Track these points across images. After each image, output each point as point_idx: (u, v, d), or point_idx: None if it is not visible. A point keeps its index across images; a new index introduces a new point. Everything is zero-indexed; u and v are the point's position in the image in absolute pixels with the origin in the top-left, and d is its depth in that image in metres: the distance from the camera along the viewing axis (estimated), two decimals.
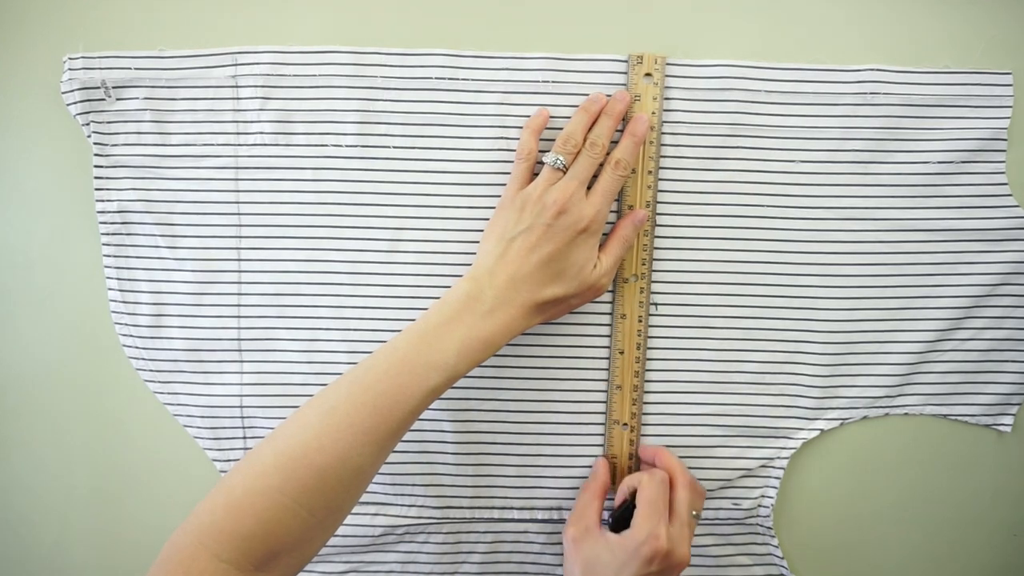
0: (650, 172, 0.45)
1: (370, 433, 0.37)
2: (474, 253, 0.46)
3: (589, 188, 0.43)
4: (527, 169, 0.43)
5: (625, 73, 0.45)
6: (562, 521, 0.49)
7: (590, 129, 0.43)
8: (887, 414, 0.49)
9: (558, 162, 0.42)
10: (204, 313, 0.47)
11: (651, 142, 0.45)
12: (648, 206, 0.45)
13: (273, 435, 0.38)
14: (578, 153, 0.42)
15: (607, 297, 0.47)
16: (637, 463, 0.48)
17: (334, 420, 0.37)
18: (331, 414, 0.37)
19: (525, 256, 0.41)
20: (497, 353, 0.46)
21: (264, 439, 0.38)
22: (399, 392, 0.38)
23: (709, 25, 0.45)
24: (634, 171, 0.45)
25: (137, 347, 0.47)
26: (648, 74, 0.45)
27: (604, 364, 0.47)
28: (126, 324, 0.47)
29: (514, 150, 0.45)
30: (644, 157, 0.45)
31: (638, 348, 0.47)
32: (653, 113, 0.45)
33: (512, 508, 0.49)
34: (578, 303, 0.44)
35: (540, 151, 0.44)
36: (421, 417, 0.47)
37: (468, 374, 0.46)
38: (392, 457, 0.48)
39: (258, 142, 0.45)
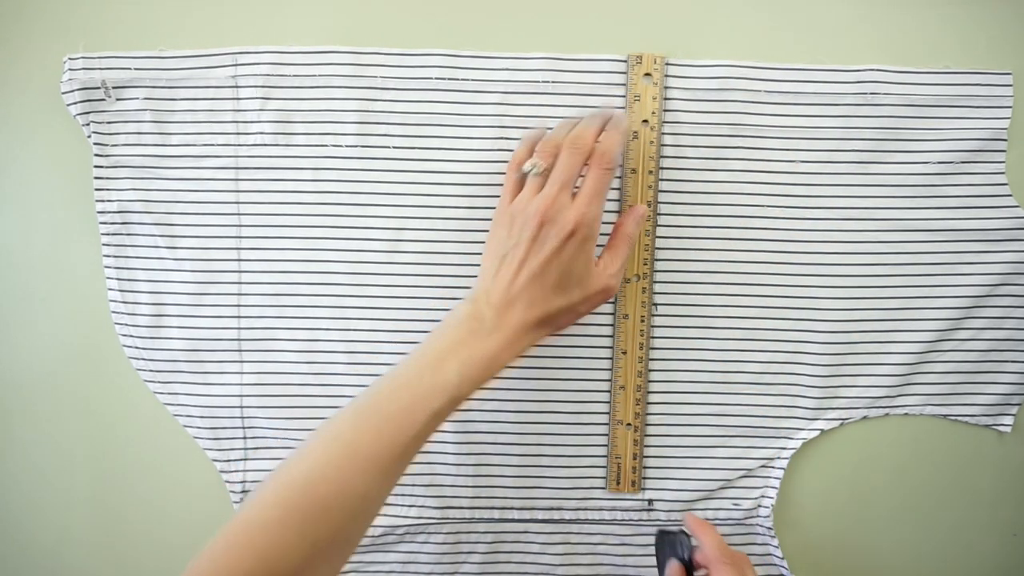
0: (651, 172, 0.45)
1: (373, 459, 0.36)
2: (474, 253, 0.46)
3: None
4: (519, 180, 0.42)
5: (625, 73, 0.45)
6: (563, 521, 0.49)
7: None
8: (887, 414, 0.49)
9: (535, 168, 0.40)
10: (204, 313, 0.47)
11: (651, 142, 0.45)
12: (649, 206, 0.46)
13: (278, 468, 0.36)
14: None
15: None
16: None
17: (337, 448, 0.36)
18: (335, 441, 0.36)
19: (516, 273, 0.39)
20: None
21: (270, 472, 0.37)
22: (403, 416, 0.37)
23: (709, 25, 0.45)
24: (634, 171, 0.45)
25: (137, 347, 0.47)
26: (648, 74, 0.45)
27: (606, 364, 0.47)
28: (126, 324, 0.47)
29: (513, 150, 0.45)
30: (644, 157, 0.45)
31: (640, 348, 0.47)
32: (653, 113, 0.45)
33: (512, 508, 0.49)
34: (588, 308, 0.42)
35: None
36: None
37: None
38: None
39: (258, 142, 0.45)
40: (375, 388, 0.38)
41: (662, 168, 0.46)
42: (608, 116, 0.42)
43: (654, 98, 0.45)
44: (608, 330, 0.47)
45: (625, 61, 0.45)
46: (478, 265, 0.46)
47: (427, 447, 0.47)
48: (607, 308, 0.47)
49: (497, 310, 0.39)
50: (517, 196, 0.41)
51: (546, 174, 0.40)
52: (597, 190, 0.40)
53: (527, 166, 0.41)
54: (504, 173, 0.45)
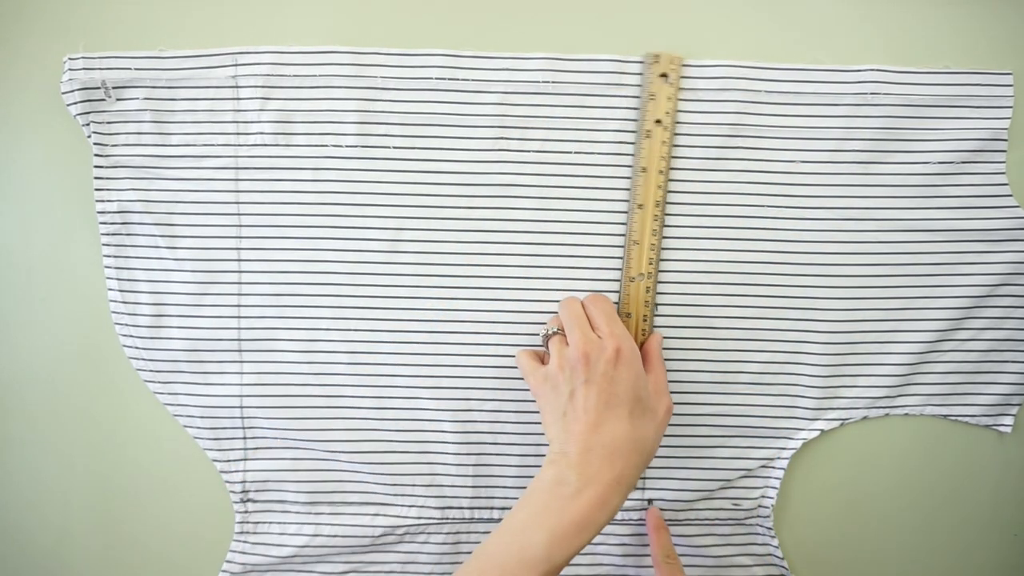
0: (661, 172, 0.45)
1: None
2: (473, 254, 0.46)
3: None
4: (533, 355, 0.44)
5: (622, 73, 0.45)
6: None
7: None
8: (887, 414, 0.49)
9: (551, 330, 0.43)
10: (204, 313, 0.47)
11: (664, 142, 0.45)
12: (658, 205, 0.45)
13: None
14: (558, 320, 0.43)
15: (613, 297, 0.47)
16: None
17: None
18: None
19: (584, 417, 0.39)
20: (497, 355, 0.47)
21: None
22: None
23: (709, 26, 0.45)
24: (645, 169, 0.45)
25: (137, 347, 0.47)
26: (664, 74, 0.45)
27: None
28: (126, 324, 0.47)
29: (513, 150, 0.45)
30: (656, 157, 0.45)
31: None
32: (667, 113, 0.45)
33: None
34: (661, 434, 0.42)
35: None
36: (422, 418, 0.47)
37: (470, 375, 0.47)
38: (392, 457, 0.48)
39: (258, 142, 0.45)
40: (464, 571, 0.37)
41: (663, 168, 0.46)
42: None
43: (669, 98, 0.45)
44: None
45: (621, 61, 0.45)
46: (478, 265, 0.46)
47: (427, 447, 0.48)
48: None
49: (581, 467, 0.37)
50: (546, 365, 0.42)
51: (560, 332, 0.42)
52: (609, 314, 0.42)
53: (543, 332, 0.43)
54: (504, 173, 0.46)
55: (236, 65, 0.45)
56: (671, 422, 0.48)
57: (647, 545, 0.49)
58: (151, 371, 0.47)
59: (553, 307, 0.47)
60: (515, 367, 0.47)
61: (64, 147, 0.46)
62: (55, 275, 0.47)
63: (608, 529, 0.49)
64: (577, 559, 0.49)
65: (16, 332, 0.47)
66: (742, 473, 0.48)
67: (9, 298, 0.47)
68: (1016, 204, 0.47)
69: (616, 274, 0.47)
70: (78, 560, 0.49)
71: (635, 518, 0.49)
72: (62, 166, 0.46)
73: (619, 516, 0.49)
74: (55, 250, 0.47)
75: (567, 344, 0.41)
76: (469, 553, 0.49)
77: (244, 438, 0.48)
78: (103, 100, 0.45)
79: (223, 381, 0.47)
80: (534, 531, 0.36)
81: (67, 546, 0.49)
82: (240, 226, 0.46)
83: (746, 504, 0.49)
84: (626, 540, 0.49)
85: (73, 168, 0.46)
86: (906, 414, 0.49)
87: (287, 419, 0.47)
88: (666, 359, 0.47)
